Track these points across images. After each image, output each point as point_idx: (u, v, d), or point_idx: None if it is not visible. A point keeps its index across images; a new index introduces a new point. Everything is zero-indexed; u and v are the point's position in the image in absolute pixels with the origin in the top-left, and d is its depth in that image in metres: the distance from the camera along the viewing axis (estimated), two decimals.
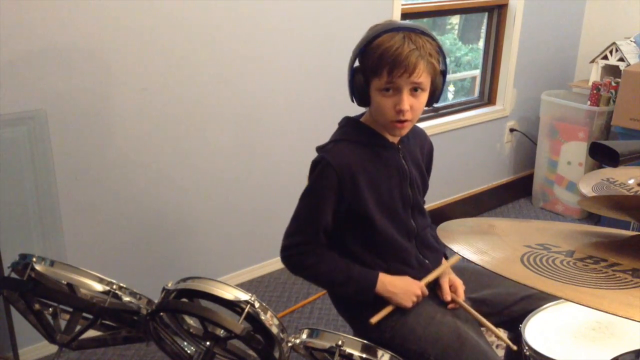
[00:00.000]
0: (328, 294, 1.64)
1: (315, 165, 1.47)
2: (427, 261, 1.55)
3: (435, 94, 1.44)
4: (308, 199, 1.49)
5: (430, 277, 1.51)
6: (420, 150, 1.59)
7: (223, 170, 2.53)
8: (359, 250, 1.50)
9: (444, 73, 1.44)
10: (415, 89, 1.37)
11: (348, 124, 1.53)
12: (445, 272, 1.54)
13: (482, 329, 1.51)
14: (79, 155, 2.13)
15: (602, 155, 1.15)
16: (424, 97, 1.40)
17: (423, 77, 1.36)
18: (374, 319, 1.42)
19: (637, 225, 1.78)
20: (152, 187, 2.35)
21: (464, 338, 1.39)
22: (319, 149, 1.51)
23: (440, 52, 1.41)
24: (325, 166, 1.42)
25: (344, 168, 1.41)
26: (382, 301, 1.46)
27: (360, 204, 1.44)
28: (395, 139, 1.50)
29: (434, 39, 1.39)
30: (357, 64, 1.42)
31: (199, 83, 2.34)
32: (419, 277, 1.52)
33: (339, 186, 1.42)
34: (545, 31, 3.57)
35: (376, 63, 1.35)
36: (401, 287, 1.46)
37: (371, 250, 1.50)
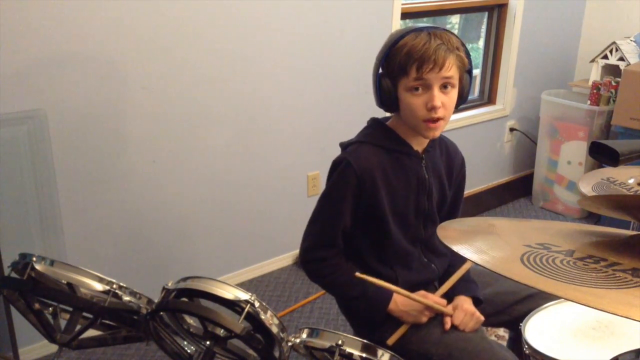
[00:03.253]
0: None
1: (336, 165, 1.45)
2: (432, 265, 1.54)
3: (464, 93, 1.41)
4: (328, 199, 1.47)
5: (443, 289, 1.50)
6: (447, 165, 1.55)
7: (223, 170, 2.53)
8: (366, 253, 1.49)
9: (469, 71, 1.41)
10: (445, 86, 1.34)
11: (374, 125, 1.50)
12: (461, 303, 1.46)
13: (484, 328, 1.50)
14: (79, 155, 2.13)
15: (602, 154, 1.14)
16: (454, 93, 1.37)
17: (453, 71, 1.33)
18: (391, 340, 1.41)
19: (637, 224, 1.78)
20: (152, 186, 2.35)
21: (468, 337, 1.39)
22: (343, 147, 1.49)
23: (465, 48, 1.38)
24: (346, 167, 1.40)
25: (365, 171, 1.39)
26: (392, 318, 1.45)
27: (377, 208, 1.42)
28: (420, 147, 1.47)
29: (457, 37, 1.37)
30: (381, 70, 1.39)
31: (198, 82, 2.34)
32: (421, 279, 1.52)
33: (358, 188, 1.40)
34: (545, 31, 3.57)
35: (403, 61, 1.32)
36: (414, 305, 1.44)
37: (378, 254, 1.49)
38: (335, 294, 1.59)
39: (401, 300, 1.44)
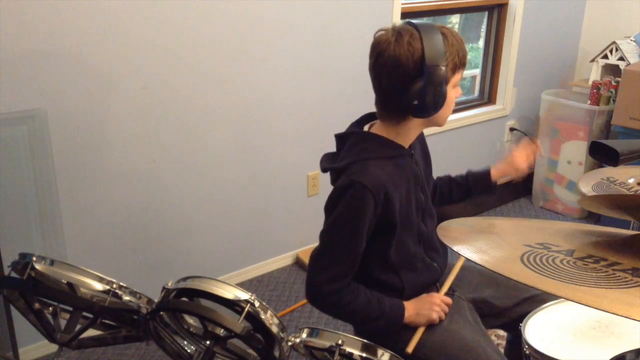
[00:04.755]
0: None
1: (345, 190, 1.34)
2: (434, 263, 1.53)
3: None
4: (342, 227, 1.36)
5: (445, 287, 1.50)
6: (422, 149, 1.56)
7: (223, 169, 2.53)
8: (370, 263, 1.45)
9: None
10: None
11: (363, 140, 1.42)
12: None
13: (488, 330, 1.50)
14: (79, 154, 2.13)
15: (602, 154, 1.14)
16: None
17: None
18: (410, 348, 1.39)
19: (637, 224, 1.78)
20: (152, 186, 2.35)
21: (470, 347, 1.38)
22: (334, 170, 1.42)
23: None
24: (361, 190, 1.31)
25: (379, 188, 1.33)
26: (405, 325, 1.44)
27: (390, 219, 1.38)
28: (407, 145, 1.45)
29: None
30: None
31: (198, 82, 2.34)
32: (425, 280, 1.51)
33: (375, 209, 1.33)
34: (545, 30, 3.57)
35: (461, 57, 1.34)
36: (421, 304, 1.43)
37: (383, 262, 1.45)
38: (355, 321, 1.50)
39: (411, 305, 1.43)
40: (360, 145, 1.41)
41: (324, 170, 1.47)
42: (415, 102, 1.30)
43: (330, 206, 1.38)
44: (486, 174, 1.66)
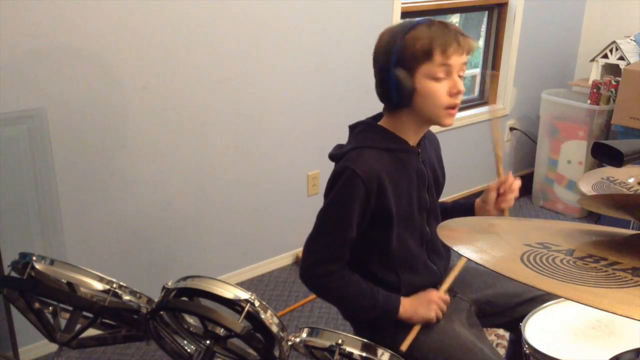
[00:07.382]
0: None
1: (338, 175, 1.37)
2: (434, 266, 1.52)
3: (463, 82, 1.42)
4: (333, 212, 1.39)
5: (445, 285, 1.49)
6: (436, 154, 1.56)
7: (223, 169, 2.53)
8: (369, 257, 1.46)
9: None
10: (459, 75, 1.35)
11: (368, 129, 1.44)
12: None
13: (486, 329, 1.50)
14: (79, 154, 2.13)
15: (605, 155, 1.13)
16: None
17: (467, 57, 1.35)
18: (404, 346, 1.38)
19: (637, 224, 1.78)
20: (152, 185, 2.35)
21: (468, 347, 1.38)
22: (337, 157, 1.43)
23: None
24: (352, 176, 1.33)
25: (372, 177, 1.34)
26: (401, 323, 1.43)
27: (385, 212, 1.38)
28: (415, 143, 1.45)
29: None
30: (395, 61, 1.32)
31: (199, 82, 2.34)
32: (424, 283, 1.50)
33: (366, 196, 1.34)
34: (545, 30, 3.57)
35: (427, 47, 1.29)
36: (419, 302, 1.43)
37: (381, 258, 1.45)
38: (343, 308, 1.53)
39: (408, 302, 1.43)
40: (363, 134, 1.44)
41: (330, 157, 1.48)
42: (379, 90, 1.37)
43: (326, 191, 1.42)
44: (471, 208, 1.61)
